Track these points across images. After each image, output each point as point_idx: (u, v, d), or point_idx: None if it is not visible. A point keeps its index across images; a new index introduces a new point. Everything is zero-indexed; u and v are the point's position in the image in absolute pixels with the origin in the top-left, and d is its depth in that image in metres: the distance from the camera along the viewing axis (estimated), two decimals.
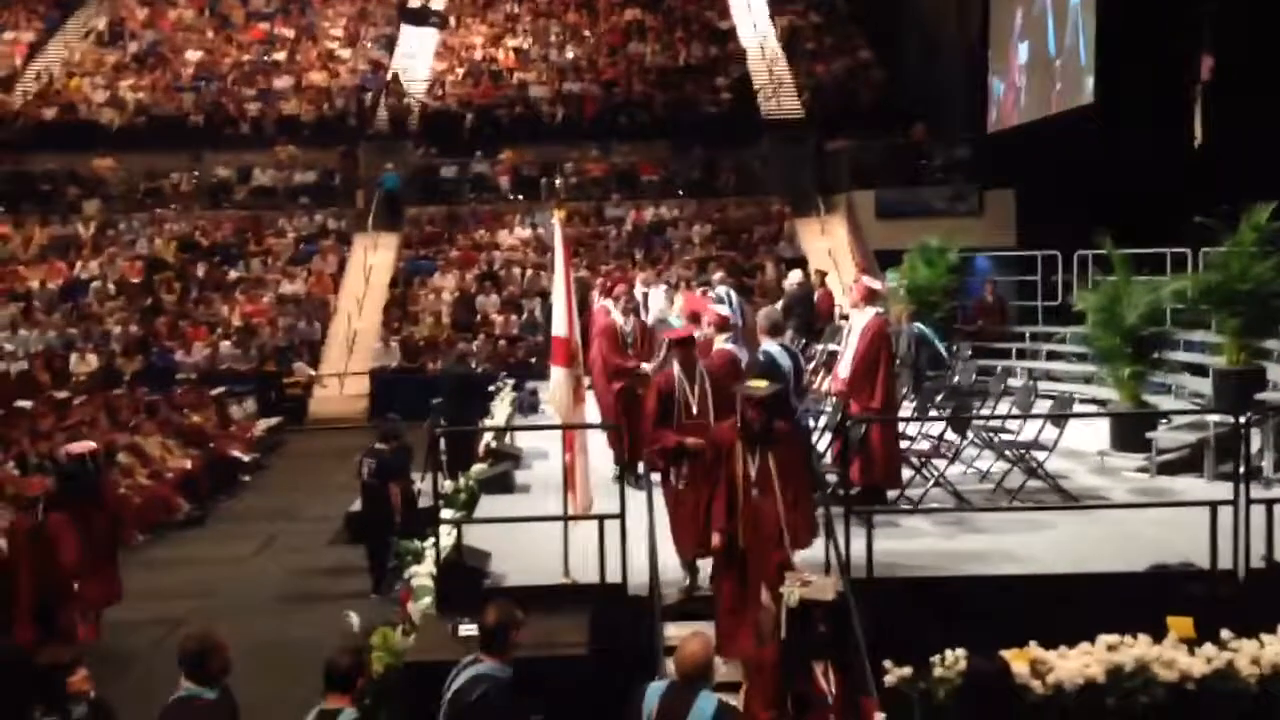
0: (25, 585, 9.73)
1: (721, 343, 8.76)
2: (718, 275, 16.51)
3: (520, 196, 28.01)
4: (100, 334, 23.62)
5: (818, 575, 6.53)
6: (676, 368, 8.01)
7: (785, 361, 8.26)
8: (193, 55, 31.54)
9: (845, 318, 12.03)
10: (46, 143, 28.47)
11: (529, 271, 25.52)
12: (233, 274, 25.83)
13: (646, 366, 10.26)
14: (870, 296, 9.87)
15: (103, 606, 10.50)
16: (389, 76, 30.36)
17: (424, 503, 11.10)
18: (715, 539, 6.89)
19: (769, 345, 8.23)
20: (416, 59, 31.59)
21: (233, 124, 29.36)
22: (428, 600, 7.69)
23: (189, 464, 16.23)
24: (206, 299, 24.93)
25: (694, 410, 7.87)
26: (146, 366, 22.34)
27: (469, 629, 6.44)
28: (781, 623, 5.75)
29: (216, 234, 27.04)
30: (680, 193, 27.94)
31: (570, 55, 31.53)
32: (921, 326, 13.81)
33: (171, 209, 27.79)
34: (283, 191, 28.23)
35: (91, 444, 11.54)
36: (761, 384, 7.04)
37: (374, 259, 26.08)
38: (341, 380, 22.97)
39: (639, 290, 13.78)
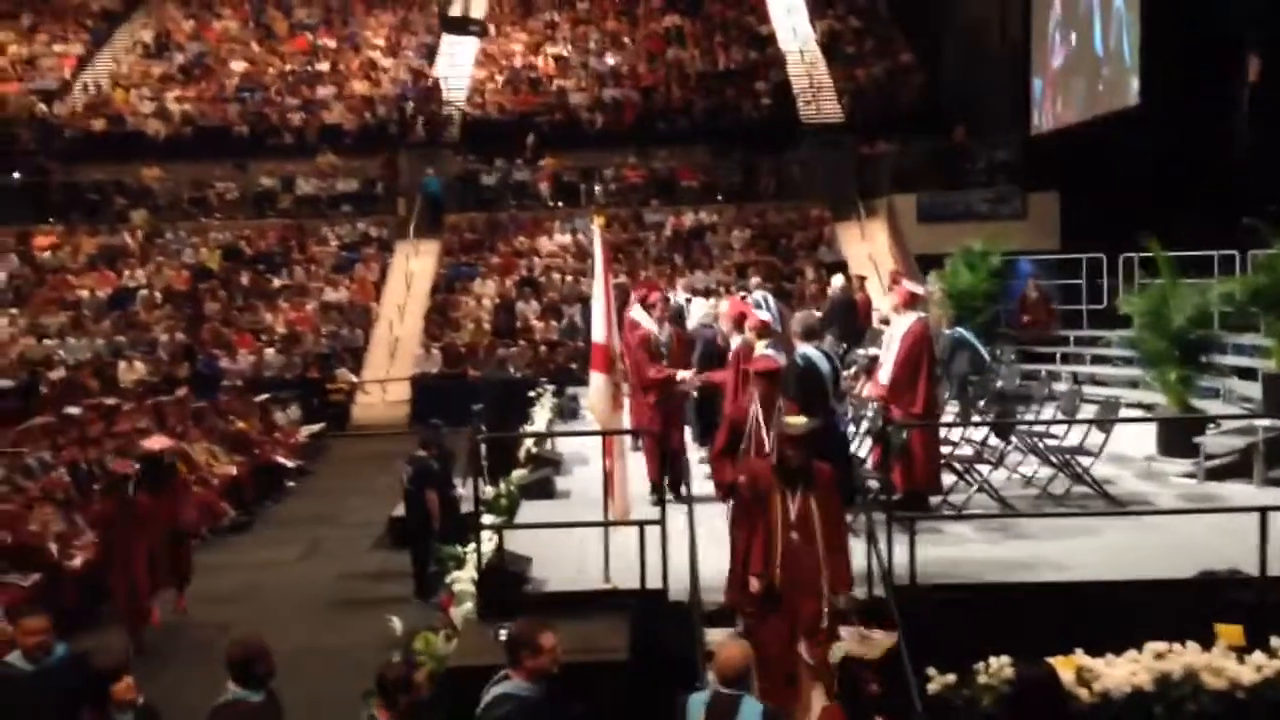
0: (141, 553, 10.76)
1: (763, 349, 8.73)
2: (755, 280, 16.50)
3: (560, 203, 28.14)
4: (147, 342, 23.99)
5: (877, 631, 6.48)
6: (756, 402, 7.64)
7: (824, 366, 8.23)
8: (237, 66, 31.99)
9: (885, 322, 11.94)
10: (94, 154, 28.98)
11: (569, 277, 25.62)
12: (276, 282, 26.14)
13: (683, 375, 10.22)
14: (911, 301, 9.80)
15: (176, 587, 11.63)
16: (429, 84, 30.58)
17: (465, 508, 11.16)
18: (753, 584, 6.54)
19: (806, 349, 8.18)
20: (457, 67, 31.82)
21: (276, 134, 29.74)
22: (469, 605, 7.72)
23: (234, 470, 16.42)
24: (251, 306, 25.25)
25: (767, 448, 7.43)
26: (193, 374, 22.65)
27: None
28: (834, 680, 5.73)
29: (261, 242, 27.40)
30: (719, 198, 27.93)
31: (610, 62, 31.64)
32: (962, 331, 13.70)
33: (216, 218, 28.22)
34: (325, 200, 28.57)
35: (166, 440, 12.27)
36: (799, 420, 6.73)
37: (415, 266, 26.29)
38: (384, 386, 23.17)
39: (681, 296, 13.77)
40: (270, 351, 23.62)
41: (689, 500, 8.27)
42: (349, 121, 29.93)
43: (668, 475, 9.56)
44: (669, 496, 8.72)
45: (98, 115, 30.11)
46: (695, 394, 10.83)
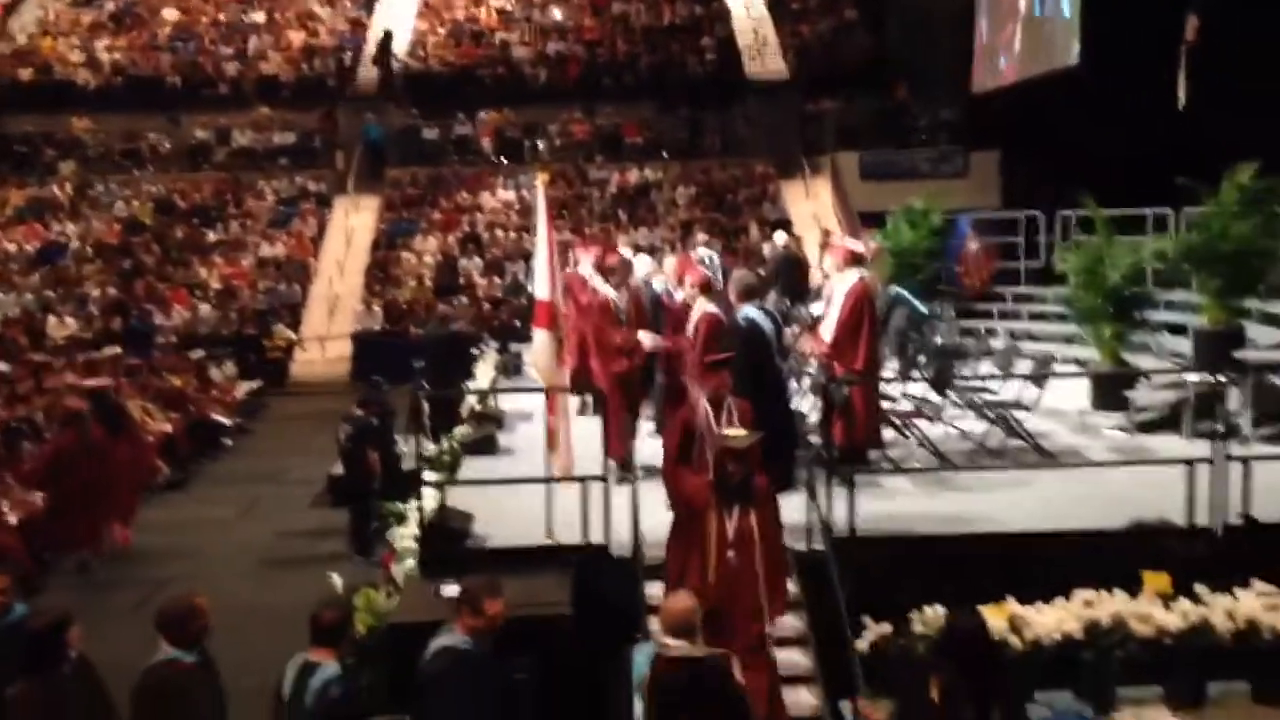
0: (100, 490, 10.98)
1: (704, 304, 8.73)
2: (701, 238, 16.50)
3: (503, 159, 27.86)
4: (78, 297, 23.45)
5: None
6: (704, 404, 6.98)
7: (766, 325, 8.24)
8: (170, 14, 31.15)
9: (827, 277, 11.98)
10: (22, 104, 28.15)
11: (512, 234, 25.43)
12: (211, 236, 25.67)
13: (645, 337, 9.55)
14: (853, 259, 9.85)
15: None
16: (377, 35, 30.01)
17: (408, 465, 11.10)
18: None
19: (747, 309, 8.14)
20: (397, 19, 31.24)
21: (211, 84, 29.07)
22: (411, 562, 7.70)
23: (169, 427, 16.16)
24: (185, 261, 24.78)
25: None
26: (125, 329, 22.20)
27: (451, 590, 6.45)
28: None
29: (195, 196, 26.85)
30: (664, 155, 27.82)
31: (554, 15, 31.24)
32: (899, 289, 13.82)
33: (149, 171, 27.56)
34: (262, 153, 28.03)
35: (106, 380, 12.22)
36: (741, 433, 6.35)
37: (355, 221, 25.93)
38: (323, 344, 22.89)
39: (626, 254, 13.55)
40: (205, 308, 23.22)
41: (630, 455, 8.27)
42: (285, 73, 29.31)
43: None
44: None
45: (25, 64, 29.21)
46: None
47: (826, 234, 17.23)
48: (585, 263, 11.04)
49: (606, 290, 9.98)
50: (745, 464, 6.23)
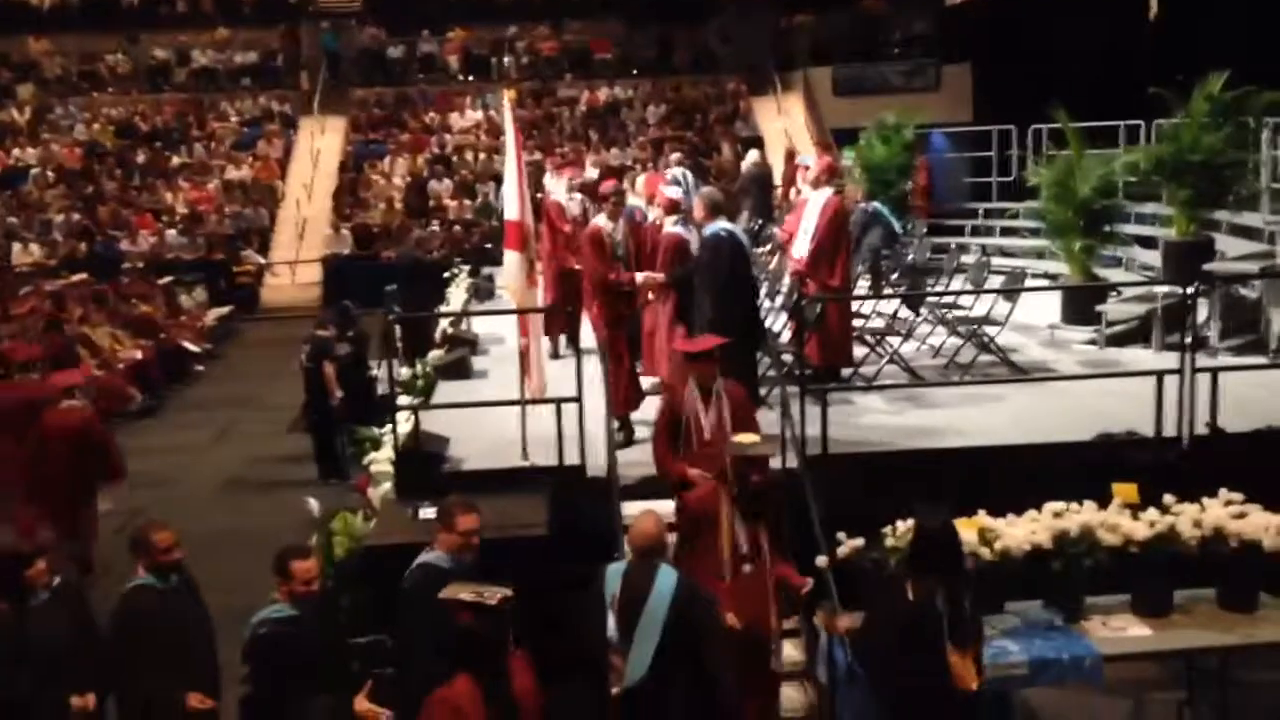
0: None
1: (670, 225, 8.65)
2: (675, 156, 16.31)
3: (470, 77, 27.38)
4: (42, 223, 23.06)
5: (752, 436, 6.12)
6: (692, 386, 6.68)
7: (740, 237, 8.18)
8: None
9: (798, 193, 11.92)
10: None
11: (482, 155, 25.10)
12: (175, 160, 25.20)
13: (641, 277, 8.66)
14: (829, 175, 9.79)
15: None
16: None
17: (381, 390, 11.07)
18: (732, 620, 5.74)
19: (715, 226, 8.05)
20: None
21: (168, 2, 28.28)
22: (387, 486, 7.72)
23: (139, 354, 16.04)
24: (150, 185, 24.36)
25: (707, 436, 6.62)
26: (90, 255, 21.89)
27: (428, 513, 6.48)
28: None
29: (156, 118, 26.32)
30: (634, 72, 27.41)
31: None
32: (878, 205, 13.79)
33: (109, 92, 26.96)
34: (223, 73, 27.42)
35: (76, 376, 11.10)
36: (752, 438, 5.97)
37: (321, 143, 25.51)
38: (293, 268, 22.66)
39: (591, 174, 13.38)
40: (172, 233, 22.89)
41: (604, 368, 8.27)
42: None
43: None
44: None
45: None
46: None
47: (791, 153, 17.07)
48: (559, 187, 10.85)
49: (597, 219, 9.29)
50: (764, 469, 6.00)
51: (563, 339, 11.05)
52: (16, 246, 22.32)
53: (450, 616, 4.67)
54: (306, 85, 26.91)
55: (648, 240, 9.06)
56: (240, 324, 20.87)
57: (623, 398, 8.45)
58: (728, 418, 6.53)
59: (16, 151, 25.15)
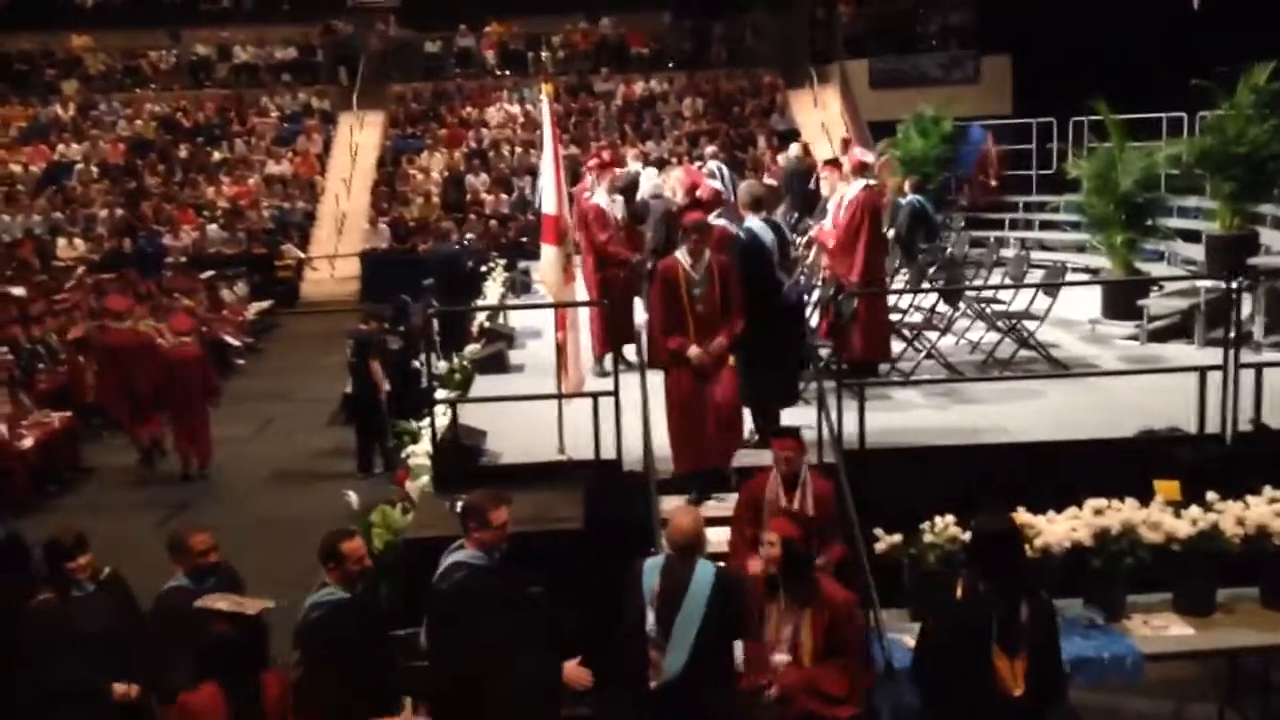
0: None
1: (714, 218, 8.65)
2: (710, 150, 16.30)
3: (507, 72, 27.46)
4: (86, 218, 23.39)
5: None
6: (684, 255, 7.15)
7: (767, 236, 8.15)
8: None
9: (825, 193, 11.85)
10: (20, 21, 27.72)
11: (518, 149, 25.18)
12: (216, 155, 25.46)
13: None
14: (861, 168, 9.74)
15: None
16: None
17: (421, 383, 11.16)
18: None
19: (750, 220, 8.04)
20: None
21: None
22: (425, 479, 7.77)
23: None
24: (191, 181, 24.63)
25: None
26: (134, 250, 22.18)
27: None
28: None
29: (198, 114, 26.60)
30: (670, 65, 27.37)
31: None
32: (921, 199, 13.68)
33: (151, 88, 27.27)
34: (264, 69, 27.67)
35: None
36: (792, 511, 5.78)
37: (360, 138, 25.69)
38: (332, 262, 22.85)
39: (633, 166, 13.34)
40: (213, 227, 23.15)
41: (642, 369, 8.27)
42: None
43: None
44: (623, 365, 8.49)
45: None
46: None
47: (846, 143, 17.00)
48: (600, 190, 10.23)
49: (600, 199, 9.98)
50: (809, 536, 5.59)
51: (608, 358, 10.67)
52: (61, 241, 22.65)
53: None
54: (345, 81, 27.10)
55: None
56: (280, 318, 21.07)
57: (600, 342, 9.54)
58: (719, 291, 7.12)
59: (61, 147, 25.51)
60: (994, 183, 17.02)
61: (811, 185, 15.97)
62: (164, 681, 5.31)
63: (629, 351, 9.48)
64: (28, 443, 11.72)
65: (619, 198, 10.44)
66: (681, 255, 7.25)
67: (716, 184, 9.39)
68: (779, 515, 5.85)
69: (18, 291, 17.37)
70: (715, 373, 7.20)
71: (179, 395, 12.19)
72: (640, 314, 10.19)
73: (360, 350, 11.92)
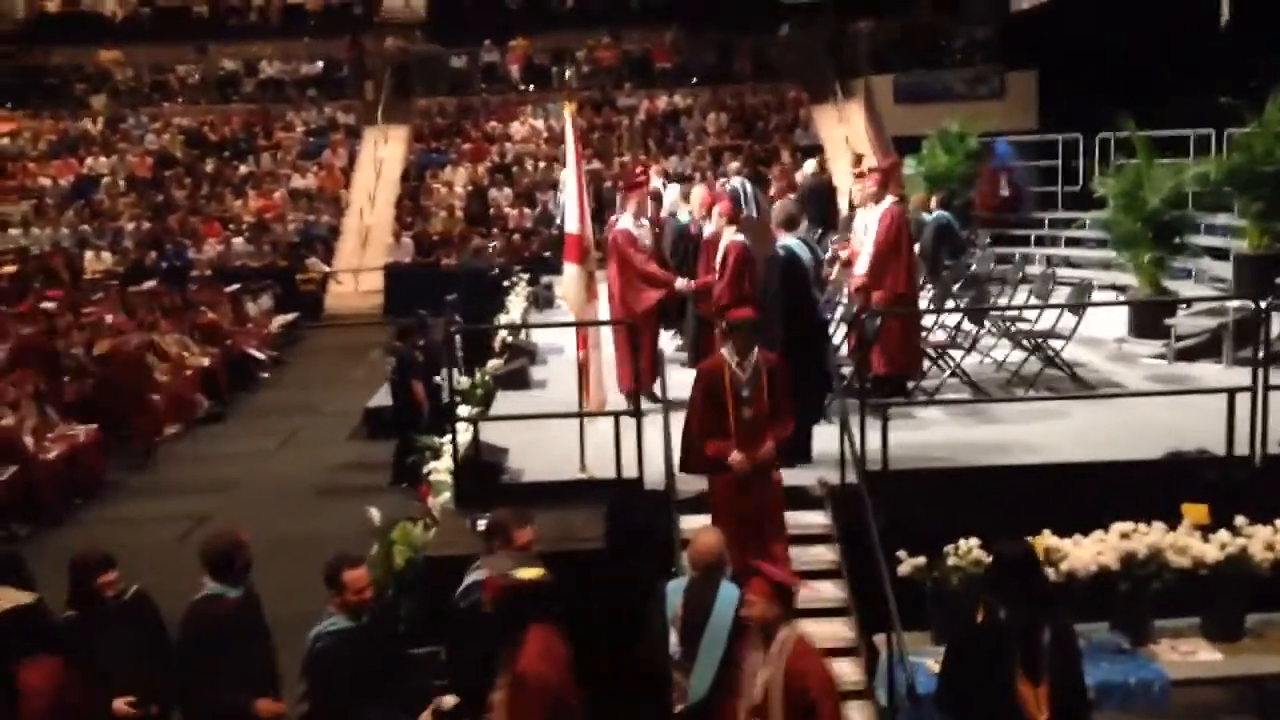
0: None
1: (731, 235, 8.67)
2: (733, 166, 16.29)
3: (531, 87, 27.58)
4: (113, 231, 23.61)
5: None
6: (729, 353, 6.56)
7: (804, 255, 8.16)
8: None
9: (852, 208, 11.83)
10: (51, 36, 28.11)
11: (541, 163, 25.26)
12: (242, 169, 25.66)
13: (681, 283, 9.56)
14: (885, 186, 9.71)
15: None
16: None
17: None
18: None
19: (787, 239, 8.03)
20: None
21: (238, 14, 28.87)
22: (446, 495, 7.76)
23: (207, 361, 16.32)
24: (218, 194, 24.83)
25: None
26: (160, 263, 22.36)
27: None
28: None
29: (225, 128, 26.82)
30: (694, 80, 27.42)
31: None
32: (948, 215, 13.62)
33: (179, 103, 27.54)
34: (290, 83, 27.89)
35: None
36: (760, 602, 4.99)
37: (384, 152, 25.84)
38: (356, 276, 22.96)
39: (656, 181, 13.26)
40: (239, 241, 23.32)
41: (663, 390, 8.25)
42: (311, 1, 29.04)
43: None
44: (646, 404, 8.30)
45: None
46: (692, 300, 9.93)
47: (859, 159, 16.97)
48: (626, 214, 9.81)
49: (628, 223, 9.58)
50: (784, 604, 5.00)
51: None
52: (89, 254, 22.86)
53: None
54: (370, 95, 27.27)
55: (705, 249, 9.11)
56: (305, 331, 21.18)
57: (626, 374, 8.82)
58: (766, 389, 6.47)
59: (90, 161, 25.76)
60: (1004, 191, 16.89)
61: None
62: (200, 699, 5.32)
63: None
64: (54, 455, 11.80)
65: (645, 222, 10.00)
66: (727, 353, 6.62)
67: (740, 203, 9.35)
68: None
69: (50, 306, 17.52)
70: (761, 480, 6.54)
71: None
72: (667, 343, 10.04)
73: (401, 369, 11.95)
